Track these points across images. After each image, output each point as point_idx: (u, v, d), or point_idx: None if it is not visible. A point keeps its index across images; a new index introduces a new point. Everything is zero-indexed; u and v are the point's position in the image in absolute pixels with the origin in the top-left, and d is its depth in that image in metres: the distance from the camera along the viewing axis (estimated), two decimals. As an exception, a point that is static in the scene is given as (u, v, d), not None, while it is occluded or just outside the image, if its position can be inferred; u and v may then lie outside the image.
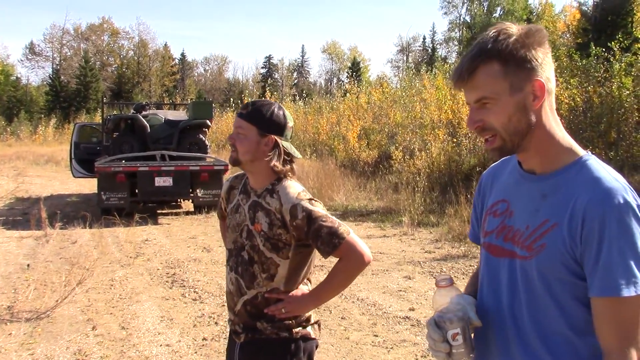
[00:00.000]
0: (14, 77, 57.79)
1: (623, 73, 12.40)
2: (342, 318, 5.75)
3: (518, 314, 1.47)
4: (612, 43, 13.02)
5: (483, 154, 14.25)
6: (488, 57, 1.41)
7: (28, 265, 7.52)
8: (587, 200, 1.35)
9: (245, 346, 2.35)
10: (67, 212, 12.33)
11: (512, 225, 1.50)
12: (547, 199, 1.44)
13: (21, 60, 61.78)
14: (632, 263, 1.31)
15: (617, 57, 12.78)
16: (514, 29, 1.43)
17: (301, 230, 2.22)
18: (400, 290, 6.63)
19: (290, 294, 2.30)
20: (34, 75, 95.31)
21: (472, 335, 1.53)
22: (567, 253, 1.37)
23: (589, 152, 1.48)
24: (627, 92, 12.06)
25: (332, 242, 2.20)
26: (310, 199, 2.28)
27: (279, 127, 2.32)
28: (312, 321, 2.38)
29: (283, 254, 2.26)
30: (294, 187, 2.30)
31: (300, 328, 2.32)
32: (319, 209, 2.26)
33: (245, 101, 31.92)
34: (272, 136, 2.29)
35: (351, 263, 2.27)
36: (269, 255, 2.26)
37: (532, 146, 1.46)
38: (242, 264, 2.31)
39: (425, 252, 8.64)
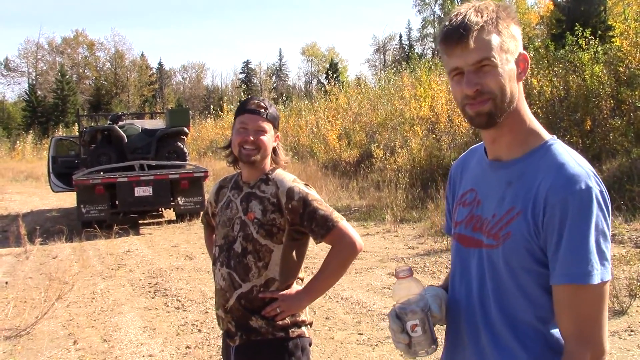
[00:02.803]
0: (-10, 95, 57.02)
1: (594, 61, 12.51)
2: (326, 318, 5.72)
3: (486, 304, 1.46)
4: (586, 32, 13.14)
5: (463, 148, 14.29)
6: (486, 23, 1.39)
7: (6, 282, 7.41)
8: (549, 187, 1.33)
9: (241, 349, 2.34)
10: (47, 227, 12.20)
11: (480, 215, 1.49)
12: (512, 186, 1.42)
13: (-4, 77, 60.79)
14: (593, 251, 1.29)
15: (583, 46, 12.91)
16: (493, 4, 1.43)
17: (296, 213, 2.28)
18: (384, 287, 6.61)
19: (284, 292, 2.32)
20: (10, 92, 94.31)
21: (434, 326, 1.52)
22: (532, 241, 1.35)
23: (555, 137, 1.46)
24: (600, 79, 12.17)
25: (326, 224, 2.28)
26: (305, 184, 2.39)
27: (279, 123, 2.48)
28: (307, 322, 2.41)
29: (277, 239, 2.30)
30: (288, 174, 2.41)
31: (295, 328, 2.34)
32: (314, 193, 2.35)
33: (225, 108, 32.06)
34: (278, 133, 2.46)
35: (344, 249, 2.32)
36: (263, 242, 2.29)
37: (506, 123, 1.44)
38: (235, 257, 2.33)
39: (409, 248, 8.64)
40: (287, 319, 2.31)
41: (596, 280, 1.29)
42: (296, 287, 2.38)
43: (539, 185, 1.35)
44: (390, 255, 8.19)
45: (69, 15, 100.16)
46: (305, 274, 2.48)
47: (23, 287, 7.43)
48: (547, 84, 12.99)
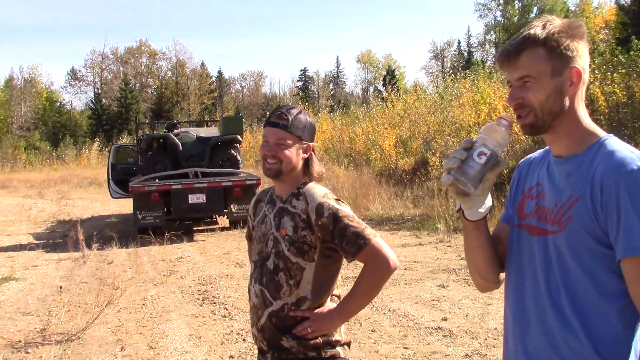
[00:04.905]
0: (59, 103, 59.56)
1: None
2: (372, 330, 5.59)
3: (553, 285, 1.57)
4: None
5: (521, 155, 13.87)
6: (534, 42, 1.56)
7: (61, 287, 7.59)
8: (603, 171, 1.48)
9: None
10: (105, 233, 12.49)
11: (545, 206, 1.63)
12: (570, 177, 1.57)
13: (64, 86, 63.48)
14: None
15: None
16: (558, 21, 1.59)
17: (326, 230, 2.18)
18: (434, 300, 6.43)
19: (316, 311, 2.23)
20: (77, 100, 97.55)
21: (492, 176, 1.61)
22: (593, 222, 1.48)
23: (611, 135, 1.60)
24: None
25: (357, 242, 2.16)
26: (336, 199, 2.27)
27: (314, 134, 2.35)
28: (343, 342, 2.29)
29: (308, 256, 2.21)
30: (320, 188, 2.29)
31: (329, 348, 2.24)
32: (345, 208, 2.23)
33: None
34: (310, 144, 2.32)
35: (377, 268, 2.20)
36: (294, 260, 2.20)
37: (562, 128, 1.60)
38: (267, 273, 2.26)
39: (461, 259, 8.39)
40: (319, 338, 2.21)
41: None
42: (329, 305, 2.27)
43: (594, 172, 1.50)
44: (442, 266, 7.98)
45: (132, 26, 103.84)
46: (344, 287, 2.38)
47: (78, 292, 7.61)
48: (611, 89, 12.47)
